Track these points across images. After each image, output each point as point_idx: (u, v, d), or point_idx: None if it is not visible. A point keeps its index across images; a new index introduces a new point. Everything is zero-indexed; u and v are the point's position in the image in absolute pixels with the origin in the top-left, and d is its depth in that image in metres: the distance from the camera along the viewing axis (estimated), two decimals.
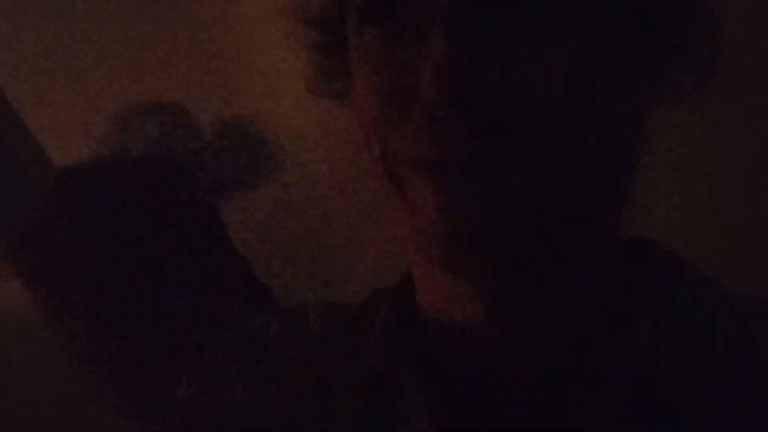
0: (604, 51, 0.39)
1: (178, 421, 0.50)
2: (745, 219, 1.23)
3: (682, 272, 0.47)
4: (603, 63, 0.38)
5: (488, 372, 0.45)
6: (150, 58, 1.31)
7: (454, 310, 0.45)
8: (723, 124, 1.26)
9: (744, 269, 0.50)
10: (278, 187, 1.38)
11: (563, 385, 0.43)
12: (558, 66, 0.37)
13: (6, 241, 0.44)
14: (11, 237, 0.44)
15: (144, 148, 0.52)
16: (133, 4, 1.28)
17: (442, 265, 0.41)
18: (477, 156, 0.37)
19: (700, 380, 0.41)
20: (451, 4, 0.36)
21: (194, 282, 0.52)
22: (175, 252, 0.51)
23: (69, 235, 0.49)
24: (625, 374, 0.41)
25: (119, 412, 0.52)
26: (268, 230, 1.53)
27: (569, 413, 0.42)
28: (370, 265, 1.17)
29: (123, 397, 0.51)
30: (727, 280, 0.48)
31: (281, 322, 0.50)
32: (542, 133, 0.37)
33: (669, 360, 0.42)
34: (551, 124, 0.37)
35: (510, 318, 0.43)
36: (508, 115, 0.37)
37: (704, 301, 0.45)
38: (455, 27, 0.36)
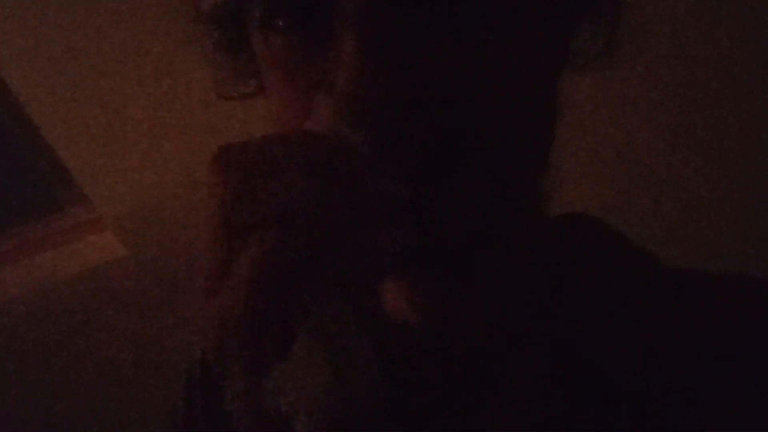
0: (513, 40, 0.38)
1: None
2: (745, 218, 1.24)
3: (618, 245, 0.47)
4: (513, 50, 0.38)
5: (433, 364, 0.45)
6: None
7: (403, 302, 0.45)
8: (723, 124, 1.27)
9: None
10: None
11: (497, 369, 0.44)
12: (471, 64, 0.36)
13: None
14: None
15: None
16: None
17: None
18: (408, 151, 0.36)
19: (634, 350, 0.42)
20: (362, 9, 0.35)
21: None
22: None
23: None
24: (558, 347, 0.42)
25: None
26: None
27: (504, 395, 0.43)
28: None
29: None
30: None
31: None
32: (461, 126, 0.37)
33: (600, 330, 0.42)
34: (468, 118, 0.36)
35: (444, 308, 0.43)
36: (424, 116, 0.36)
37: (639, 273, 0.46)
38: (366, 30, 0.34)
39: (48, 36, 1.27)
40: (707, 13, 1.16)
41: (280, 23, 0.38)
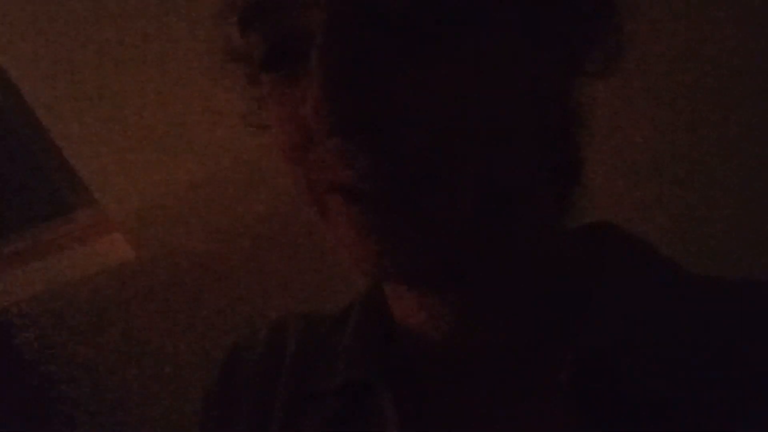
0: (493, 63, 0.39)
1: None
2: (745, 218, 1.23)
3: (641, 253, 0.47)
4: (494, 77, 0.38)
5: (454, 375, 0.46)
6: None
7: (417, 319, 0.46)
8: (723, 124, 1.27)
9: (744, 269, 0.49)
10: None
11: (529, 383, 0.44)
12: (440, 85, 0.37)
13: None
14: None
15: None
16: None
17: (373, 279, 0.42)
18: (378, 178, 0.38)
19: (658, 357, 0.41)
20: (325, 41, 0.37)
21: None
22: None
23: None
24: (586, 355, 0.41)
25: None
26: (264, 237, 1.54)
27: (536, 408, 0.43)
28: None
29: None
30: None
31: None
32: (438, 152, 0.38)
33: (627, 338, 0.42)
34: (447, 141, 0.38)
35: (464, 322, 0.44)
36: (404, 139, 0.38)
37: (663, 280, 0.45)
38: (329, 60, 0.37)
39: (58, 39, 1.27)
40: (711, 14, 1.16)
41: (273, 64, 0.41)
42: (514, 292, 0.44)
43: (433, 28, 0.37)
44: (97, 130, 1.39)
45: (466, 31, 0.38)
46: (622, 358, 0.41)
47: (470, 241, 0.40)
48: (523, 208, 0.43)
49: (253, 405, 0.51)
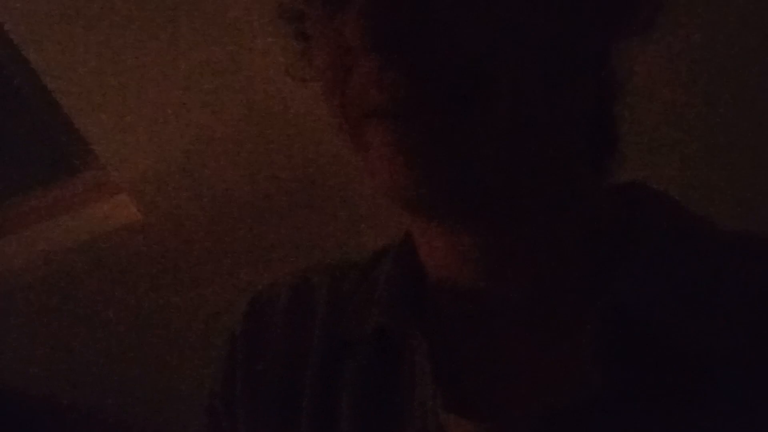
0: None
1: None
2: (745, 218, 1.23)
3: (673, 211, 0.48)
4: (530, 8, 0.39)
5: (484, 322, 0.46)
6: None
7: (446, 263, 0.47)
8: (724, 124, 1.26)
9: None
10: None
11: (558, 333, 0.44)
12: (480, 12, 0.38)
13: None
14: None
15: None
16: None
17: (403, 207, 0.43)
18: (419, 100, 0.39)
19: (689, 313, 0.41)
20: None
21: None
22: None
23: None
24: (613, 312, 0.42)
25: None
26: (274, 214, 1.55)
27: (565, 362, 0.43)
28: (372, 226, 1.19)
29: None
30: None
31: None
32: (474, 74, 0.38)
33: (658, 296, 0.42)
34: (489, 67, 0.38)
35: (493, 264, 0.45)
36: (441, 59, 0.38)
37: (697, 238, 0.46)
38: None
39: (64, 1, 1.26)
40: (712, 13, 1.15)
41: None
42: (546, 240, 0.45)
43: None
44: (102, 91, 1.38)
45: None
46: (651, 313, 0.41)
47: (502, 173, 0.40)
48: (559, 157, 0.43)
49: (285, 351, 0.52)
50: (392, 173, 0.40)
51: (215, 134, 1.46)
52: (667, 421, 0.40)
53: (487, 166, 0.40)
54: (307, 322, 0.53)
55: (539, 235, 0.45)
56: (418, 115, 0.39)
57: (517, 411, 0.44)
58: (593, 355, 0.41)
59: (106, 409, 1.71)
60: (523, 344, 0.45)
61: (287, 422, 0.50)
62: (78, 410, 1.70)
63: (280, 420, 0.51)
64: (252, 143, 1.47)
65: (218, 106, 1.42)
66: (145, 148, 1.47)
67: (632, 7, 0.43)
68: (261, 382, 0.52)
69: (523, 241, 0.45)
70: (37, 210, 1.66)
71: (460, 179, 0.40)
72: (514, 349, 0.45)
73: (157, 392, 1.66)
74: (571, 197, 0.45)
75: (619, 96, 0.48)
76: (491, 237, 0.44)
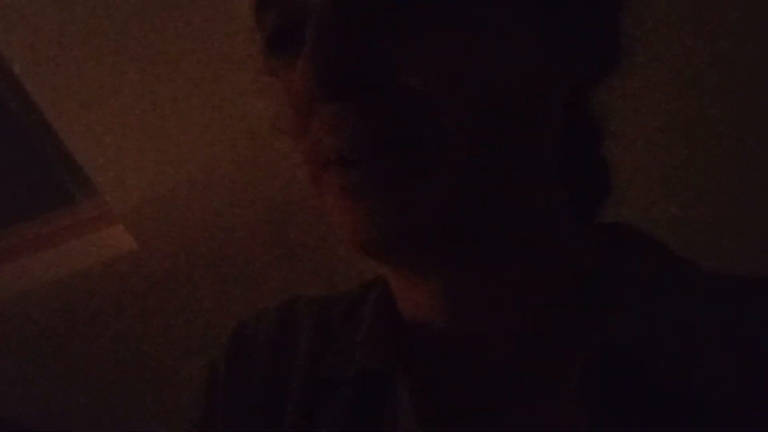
0: (484, 31, 0.39)
1: None
2: (745, 218, 1.23)
3: (658, 252, 0.47)
4: (483, 44, 0.39)
5: (463, 363, 0.46)
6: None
7: (419, 306, 0.46)
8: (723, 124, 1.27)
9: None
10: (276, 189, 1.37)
11: (542, 373, 0.44)
12: (430, 48, 0.38)
13: None
14: None
15: None
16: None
17: (363, 254, 0.42)
18: (366, 144, 0.39)
19: (678, 355, 0.41)
20: (321, 9, 0.39)
21: None
22: None
23: None
24: (600, 354, 0.41)
25: None
26: (268, 230, 1.55)
27: (551, 401, 0.43)
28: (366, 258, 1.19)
29: None
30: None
31: None
32: (426, 117, 0.38)
33: (644, 336, 0.42)
34: (434, 107, 0.38)
35: (462, 306, 0.44)
36: (387, 100, 0.38)
37: (685, 279, 0.46)
38: (322, 23, 0.38)
39: (62, 31, 1.27)
40: (710, 14, 1.16)
41: (276, 49, 0.43)
42: (521, 281, 0.44)
43: None
44: (100, 122, 1.39)
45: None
46: (641, 353, 0.41)
47: (455, 216, 0.40)
48: (526, 199, 0.43)
49: (266, 386, 0.52)
50: (346, 218, 0.41)
51: (211, 165, 1.46)
52: None
53: (439, 210, 0.39)
54: (289, 357, 0.52)
55: (513, 277, 0.44)
56: (371, 160, 0.39)
57: None
58: (582, 396, 0.41)
59: None
60: (505, 384, 0.45)
61: None
62: None
63: None
64: (248, 174, 1.47)
65: (215, 136, 1.43)
66: (142, 179, 1.48)
67: (590, 50, 0.43)
68: (242, 415, 0.52)
69: (495, 283, 0.44)
70: (34, 239, 1.67)
71: (411, 223, 0.39)
72: (496, 389, 0.45)
73: (153, 417, 1.65)
74: (548, 238, 0.45)
75: (598, 138, 0.48)
76: (460, 279, 0.44)
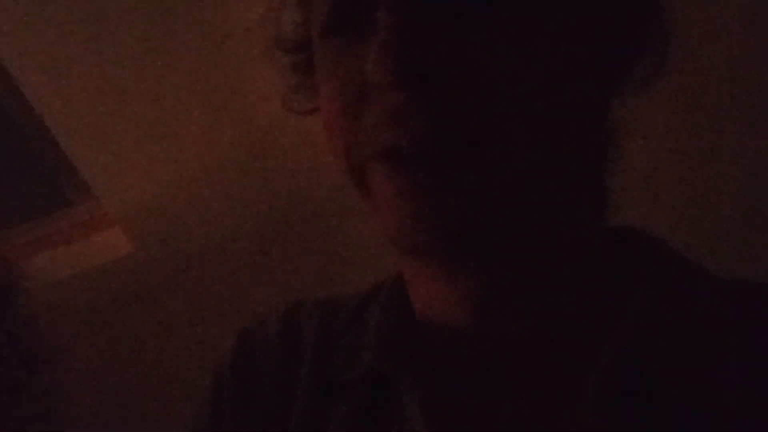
0: (553, 35, 0.39)
1: None
2: (746, 218, 1.23)
3: (670, 257, 0.47)
4: (553, 48, 0.39)
5: (478, 366, 0.46)
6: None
7: (442, 307, 0.46)
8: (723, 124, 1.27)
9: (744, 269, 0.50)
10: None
11: (555, 378, 0.44)
12: (503, 48, 0.38)
13: None
14: None
15: None
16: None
17: (408, 252, 0.42)
18: (431, 139, 0.38)
19: (692, 361, 0.41)
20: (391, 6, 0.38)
21: None
22: None
23: None
24: (615, 359, 0.41)
25: None
26: (266, 233, 1.55)
27: (562, 404, 0.43)
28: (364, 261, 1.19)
29: None
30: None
31: None
32: (493, 116, 0.38)
33: (658, 342, 0.42)
34: (503, 106, 0.38)
35: (491, 308, 0.44)
36: (456, 95, 0.38)
37: (697, 283, 0.46)
38: (396, 12, 0.38)
39: (58, 33, 1.27)
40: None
41: (337, 27, 0.42)
42: (545, 283, 0.44)
43: None
44: (96, 125, 1.39)
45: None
46: (656, 357, 0.41)
47: (510, 218, 0.40)
48: (564, 202, 0.43)
49: (272, 390, 0.51)
50: (395, 213, 0.40)
51: (208, 168, 1.46)
52: None
53: (502, 212, 0.39)
54: (295, 361, 0.52)
55: (539, 278, 0.44)
56: (431, 154, 0.38)
57: None
58: (597, 401, 0.41)
59: None
60: (517, 386, 0.45)
61: None
62: None
63: None
64: (245, 177, 1.47)
65: (212, 139, 1.43)
66: (139, 182, 1.47)
67: (634, 55, 0.44)
68: (249, 419, 0.52)
69: (522, 284, 0.44)
70: (30, 242, 1.66)
71: (470, 225, 0.39)
72: (508, 390, 0.45)
73: (150, 420, 1.65)
74: (574, 241, 0.45)
75: (615, 144, 0.48)
76: (491, 280, 0.43)
